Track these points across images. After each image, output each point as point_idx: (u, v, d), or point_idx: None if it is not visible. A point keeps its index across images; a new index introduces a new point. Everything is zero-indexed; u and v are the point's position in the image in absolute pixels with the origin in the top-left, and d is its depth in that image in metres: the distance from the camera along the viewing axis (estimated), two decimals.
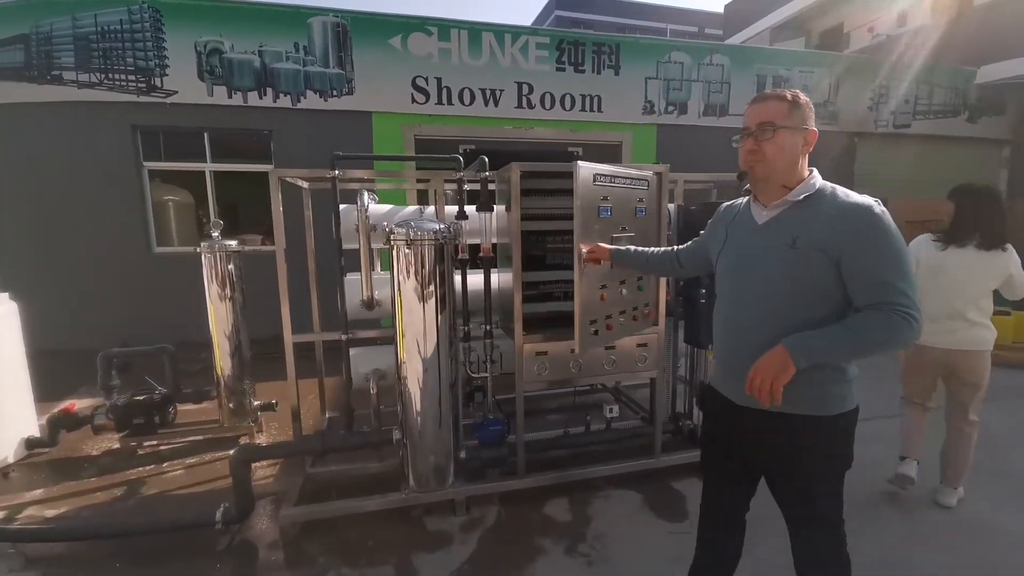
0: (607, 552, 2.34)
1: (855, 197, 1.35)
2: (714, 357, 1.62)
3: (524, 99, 6.61)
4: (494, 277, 2.81)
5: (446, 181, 2.85)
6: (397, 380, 2.53)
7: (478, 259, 2.72)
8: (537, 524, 2.55)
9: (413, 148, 6.38)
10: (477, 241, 2.76)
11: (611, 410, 2.91)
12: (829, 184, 1.41)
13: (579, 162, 2.03)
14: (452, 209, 2.86)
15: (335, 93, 6.07)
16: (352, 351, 2.93)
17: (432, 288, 2.40)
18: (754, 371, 1.29)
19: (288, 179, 2.76)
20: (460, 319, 2.76)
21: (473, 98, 6.42)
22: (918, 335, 1.27)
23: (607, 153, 6.95)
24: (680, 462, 2.90)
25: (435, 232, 2.38)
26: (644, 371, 2.75)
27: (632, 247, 2.03)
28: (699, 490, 1.71)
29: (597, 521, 2.57)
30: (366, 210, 2.60)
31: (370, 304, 2.71)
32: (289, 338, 2.67)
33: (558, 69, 6.64)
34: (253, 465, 2.66)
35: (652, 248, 2.00)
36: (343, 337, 2.76)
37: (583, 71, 6.73)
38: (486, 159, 2.71)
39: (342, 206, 2.82)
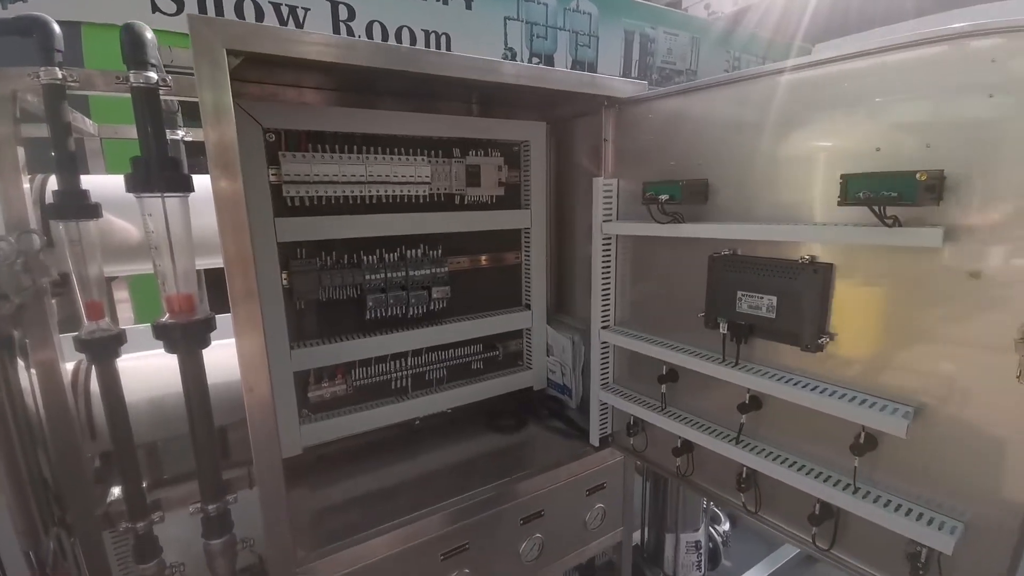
0: None
1: None
2: None
3: (342, 26, 4.61)
4: (217, 356, 1.05)
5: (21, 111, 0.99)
6: None
7: (154, 326, 0.95)
8: None
9: None
10: (142, 269, 0.98)
11: None
12: None
13: None
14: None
15: None
16: None
17: None
18: None
19: None
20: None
21: (260, 15, 4.24)
22: None
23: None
24: None
25: None
26: (600, 539, 1.26)
27: None
28: None
29: None
30: None
31: None
32: None
33: None
34: None
35: None
36: None
37: None
38: (147, 33, 0.92)
39: None
